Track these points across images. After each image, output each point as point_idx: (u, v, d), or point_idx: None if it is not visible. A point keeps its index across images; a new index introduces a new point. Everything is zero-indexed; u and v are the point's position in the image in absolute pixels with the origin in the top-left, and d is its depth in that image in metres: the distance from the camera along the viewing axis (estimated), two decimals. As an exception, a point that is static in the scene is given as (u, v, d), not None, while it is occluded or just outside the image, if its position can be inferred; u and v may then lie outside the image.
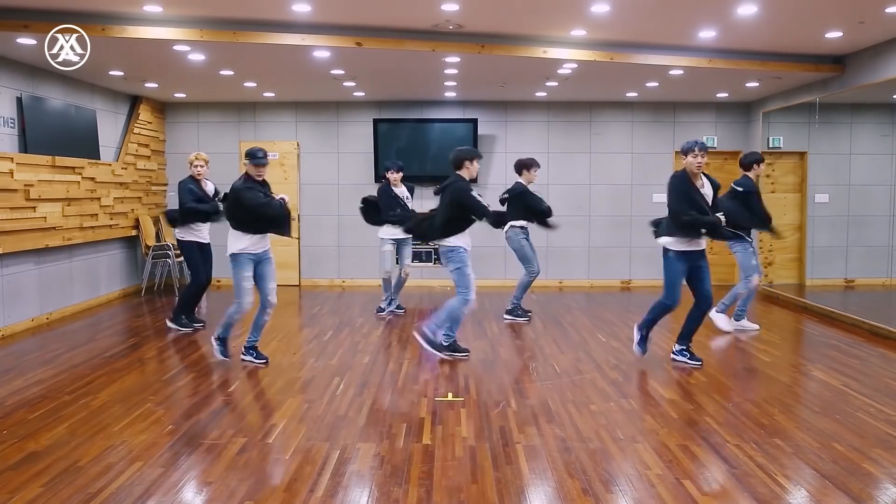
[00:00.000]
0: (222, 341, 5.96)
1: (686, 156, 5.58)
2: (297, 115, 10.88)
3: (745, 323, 7.23)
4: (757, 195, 6.96)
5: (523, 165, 7.85)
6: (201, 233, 7.19)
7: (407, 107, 10.84)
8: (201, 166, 7.11)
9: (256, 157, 5.73)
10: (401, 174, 7.98)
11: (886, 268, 8.92)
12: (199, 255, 7.19)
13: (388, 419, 4.58)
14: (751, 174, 7.02)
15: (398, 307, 8.38)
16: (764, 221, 6.99)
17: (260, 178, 5.80)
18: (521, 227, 7.78)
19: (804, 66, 8.02)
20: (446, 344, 6.12)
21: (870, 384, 5.36)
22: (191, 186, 7.02)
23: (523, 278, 7.88)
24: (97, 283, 9.00)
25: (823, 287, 9.73)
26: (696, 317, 5.84)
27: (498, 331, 7.39)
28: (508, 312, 7.97)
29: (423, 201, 9.92)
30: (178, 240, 7.25)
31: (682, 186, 5.57)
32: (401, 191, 8.00)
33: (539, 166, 7.96)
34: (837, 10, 6.16)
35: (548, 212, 7.60)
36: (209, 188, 7.22)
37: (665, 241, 5.68)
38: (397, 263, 8.26)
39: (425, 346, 6.03)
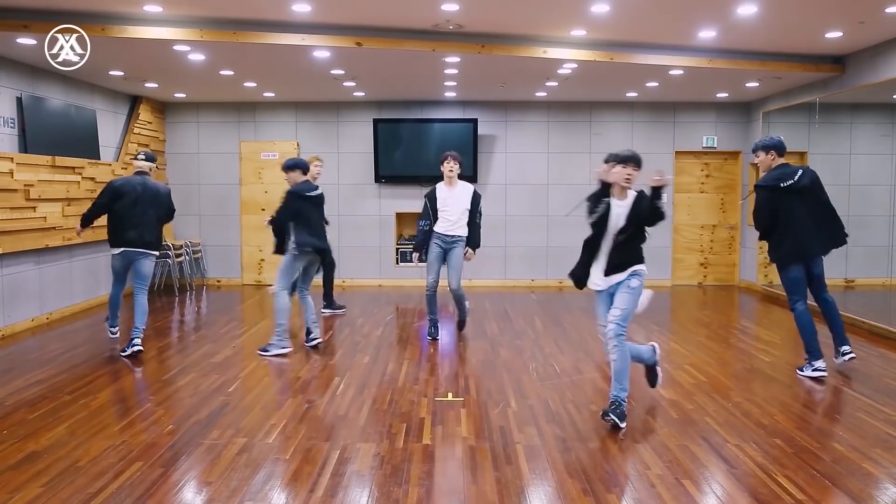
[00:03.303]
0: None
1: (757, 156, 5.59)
2: (297, 115, 10.88)
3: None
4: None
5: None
6: None
7: (407, 107, 10.84)
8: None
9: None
10: None
11: (886, 268, 8.91)
12: None
13: (388, 419, 4.57)
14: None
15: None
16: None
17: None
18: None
19: (804, 66, 8.02)
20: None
21: (870, 384, 5.36)
22: None
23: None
24: (97, 283, 9.00)
25: (823, 287, 9.71)
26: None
27: (498, 331, 7.39)
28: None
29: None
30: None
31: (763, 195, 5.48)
32: None
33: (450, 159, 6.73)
34: (837, 10, 6.16)
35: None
36: None
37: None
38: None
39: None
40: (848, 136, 9.85)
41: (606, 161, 4.49)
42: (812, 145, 9.84)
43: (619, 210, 4.41)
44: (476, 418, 4.58)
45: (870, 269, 9.66)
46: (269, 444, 4.15)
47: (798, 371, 5.63)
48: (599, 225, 4.43)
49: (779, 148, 5.59)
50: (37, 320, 7.68)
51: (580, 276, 4.58)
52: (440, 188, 6.73)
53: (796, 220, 5.42)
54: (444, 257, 6.70)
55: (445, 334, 7.17)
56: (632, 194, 4.46)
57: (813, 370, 5.49)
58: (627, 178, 4.37)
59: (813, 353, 5.51)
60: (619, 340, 4.35)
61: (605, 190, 4.42)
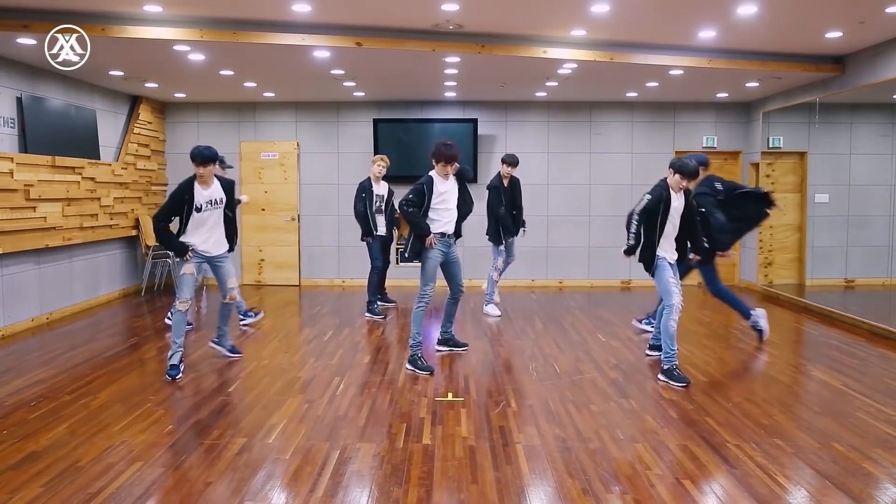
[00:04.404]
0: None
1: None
2: (297, 115, 10.88)
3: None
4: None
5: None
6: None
7: (407, 107, 10.84)
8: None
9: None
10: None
11: (886, 268, 8.91)
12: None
13: (388, 419, 4.58)
14: None
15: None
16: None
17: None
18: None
19: (804, 66, 8.02)
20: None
21: (870, 384, 5.36)
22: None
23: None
24: (97, 283, 9.00)
25: (823, 287, 9.73)
26: None
27: (498, 331, 7.39)
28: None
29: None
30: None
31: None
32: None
33: (452, 157, 5.99)
34: (837, 10, 6.16)
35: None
36: None
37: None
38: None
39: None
40: (848, 136, 9.85)
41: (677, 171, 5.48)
42: (812, 145, 9.85)
43: (677, 204, 5.53)
44: (476, 418, 4.58)
45: (870, 269, 9.67)
46: (269, 444, 4.15)
47: (751, 325, 6.73)
48: (663, 215, 5.47)
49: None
50: (37, 320, 7.68)
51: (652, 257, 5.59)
52: (438, 180, 5.88)
53: None
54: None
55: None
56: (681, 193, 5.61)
57: (758, 316, 6.69)
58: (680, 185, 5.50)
59: (747, 310, 6.71)
60: None
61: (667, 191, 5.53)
